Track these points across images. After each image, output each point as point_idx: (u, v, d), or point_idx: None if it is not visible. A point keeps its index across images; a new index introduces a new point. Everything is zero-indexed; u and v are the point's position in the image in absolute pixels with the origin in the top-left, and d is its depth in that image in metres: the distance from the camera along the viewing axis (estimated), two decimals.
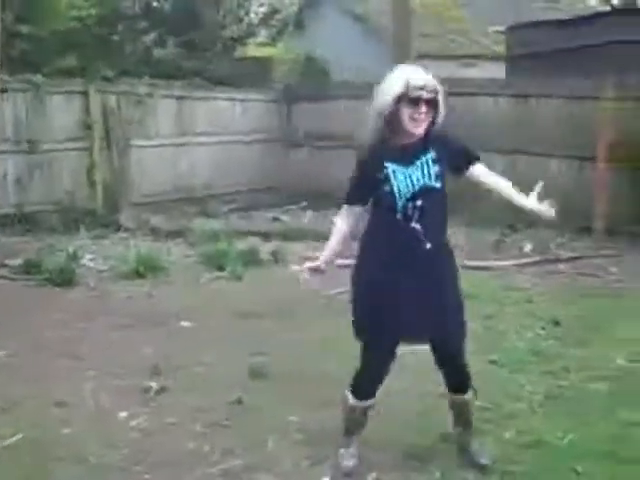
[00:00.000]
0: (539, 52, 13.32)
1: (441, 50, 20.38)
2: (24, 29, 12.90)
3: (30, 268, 8.13)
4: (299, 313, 6.76)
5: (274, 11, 18.75)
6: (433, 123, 3.68)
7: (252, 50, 19.04)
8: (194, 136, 12.72)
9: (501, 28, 17.12)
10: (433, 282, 3.70)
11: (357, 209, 3.82)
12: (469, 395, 3.99)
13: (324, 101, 13.47)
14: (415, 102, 3.59)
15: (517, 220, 10.28)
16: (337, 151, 13.14)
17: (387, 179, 3.63)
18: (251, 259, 8.62)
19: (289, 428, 4.42)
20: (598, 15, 15.13)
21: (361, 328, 3.80)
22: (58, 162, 11.03)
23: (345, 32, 20.84)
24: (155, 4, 15.17)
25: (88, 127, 11.25)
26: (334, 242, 3.85)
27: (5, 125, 10.66)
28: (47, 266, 8.03)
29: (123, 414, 4.67)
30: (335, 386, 4.89)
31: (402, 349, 3.83)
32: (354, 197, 3.80)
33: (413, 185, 3.62)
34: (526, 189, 3.81)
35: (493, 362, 5.49)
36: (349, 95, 13.01)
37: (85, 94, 11.28)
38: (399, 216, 3.62)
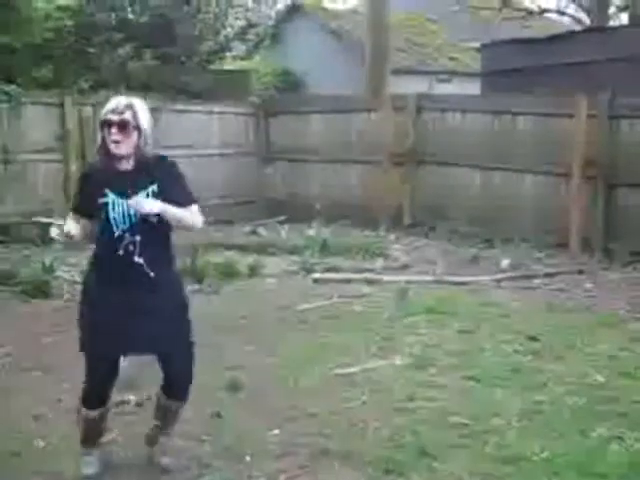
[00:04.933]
0: (513, 69, 13.47)
1: (416, 65, 20.52)
2: None
3: (5, 279, 8.04)
4: (276, 326, 6.78)
5: (250, 25, 18.77)
6: (139, 147, 3.73)
7: (229, 64, 19.05)
8: (171, 149, 12.59)
9: (476, 45, 17.27)
10: (154, 304, 3.77)
11: (82, 220, 3.83)
12: (180, 405, 4.08)
13: (301, 115, 13.50)
14: (107, 125, 3.68)
15: (494, 236, 10.37)
16: (313, 165, 13.19)
17: (106, 207, 3.69)
18: (228, 272, 8.60)
19: (267, 441, 4.41)
20: (571, 34, 15.33)
21: (84, 345, 3.88)
22: (34, 173, 10.94)
23: (321, 47, 20.93)
24: (131, 16, 15.10)
25: (64, 138, 11.17)
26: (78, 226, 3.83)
27: None
28: (22, 277, 7.97)
29: None
30: (312, 399, 4.92)
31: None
32: (77, 207, 3.86)
33: (130, 218, 3.68)
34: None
35: (470, 378, 5.51)
36: (325, 109, 13.07)
37: (61, 106, 11.22)
38: (121, 252, 3.68)
